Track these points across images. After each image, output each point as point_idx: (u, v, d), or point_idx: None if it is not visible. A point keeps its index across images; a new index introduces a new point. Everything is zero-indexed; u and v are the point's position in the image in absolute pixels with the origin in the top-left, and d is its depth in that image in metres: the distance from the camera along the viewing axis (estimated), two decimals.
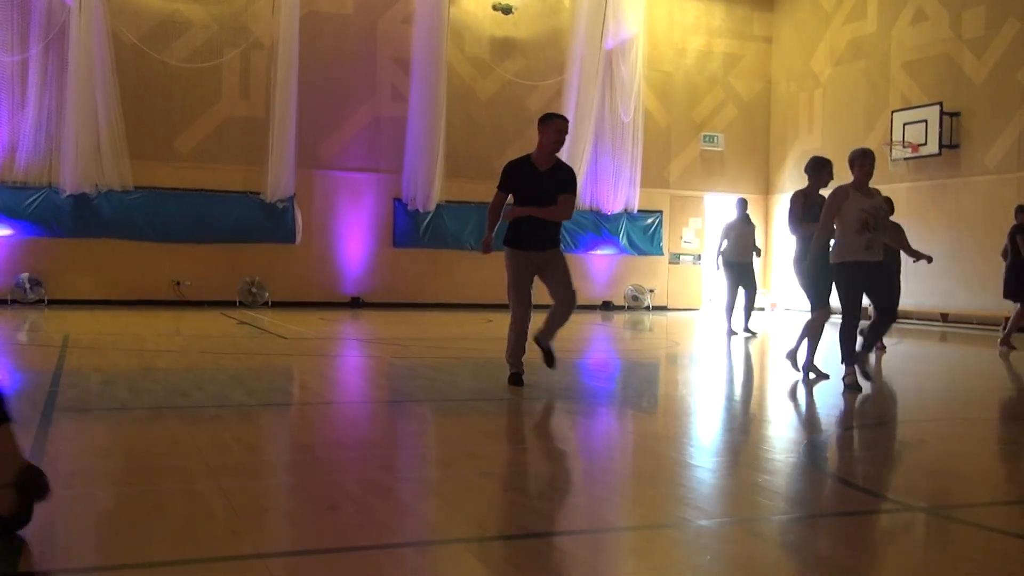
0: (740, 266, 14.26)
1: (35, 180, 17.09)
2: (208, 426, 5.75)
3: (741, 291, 14.24)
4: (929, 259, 8.97)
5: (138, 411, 6.18)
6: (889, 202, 8.24)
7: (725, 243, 14.37)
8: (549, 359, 7.64)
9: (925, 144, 18.09)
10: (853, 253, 7.58)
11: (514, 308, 7.65)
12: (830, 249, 7.83)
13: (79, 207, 17.24)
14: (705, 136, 22.07)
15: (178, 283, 17.92)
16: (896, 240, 9.24)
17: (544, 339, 7.62)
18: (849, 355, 7.68)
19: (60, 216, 17.19)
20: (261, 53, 18.54)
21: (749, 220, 14.64)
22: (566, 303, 7.59)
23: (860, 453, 5.70)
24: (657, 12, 21.52)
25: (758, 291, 14.93)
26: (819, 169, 8.62)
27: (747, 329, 13.99)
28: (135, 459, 4.73)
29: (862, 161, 7.67)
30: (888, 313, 7.94)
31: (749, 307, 14.27)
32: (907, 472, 5.19)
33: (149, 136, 17.84)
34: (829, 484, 4.72)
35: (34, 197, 17.03)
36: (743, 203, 14.81)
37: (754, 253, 14.40)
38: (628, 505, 4.19)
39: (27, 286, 16.86)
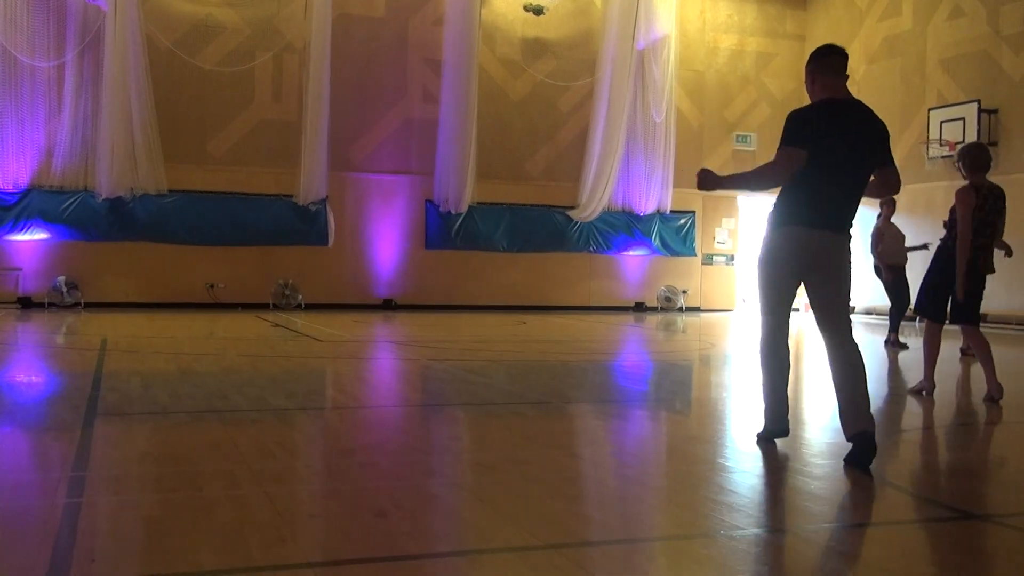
0: (895, 269, 12.84)
1: (71, 184, 17.24)
2: (249, 430, 5.74)
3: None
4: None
5: (179, 415, 6.19)
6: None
7: (883, 247, 12.81)
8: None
9: (963, 142, 17.82)
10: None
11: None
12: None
13: (114, 211, 17.37)
14: (738, 136, 21.91)
15: (212, 286, 18.01)
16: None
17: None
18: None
19: (96, 220, 17.32)
20: (293, 56, 18.60)
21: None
22: None
23: (912, 457, 5.60)
24: (689, 11, 21.39)
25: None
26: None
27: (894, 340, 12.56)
28: (179, 464, 4.72)
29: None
30: None
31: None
32: (961, 477, 5.08)
33: (183, 140, 17.95)
34: (881, 490, 4.62)
35: (70, 201, 17.18)
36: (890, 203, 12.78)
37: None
38: (677, 511, 4.12)
39: (64, 289, 17.00)
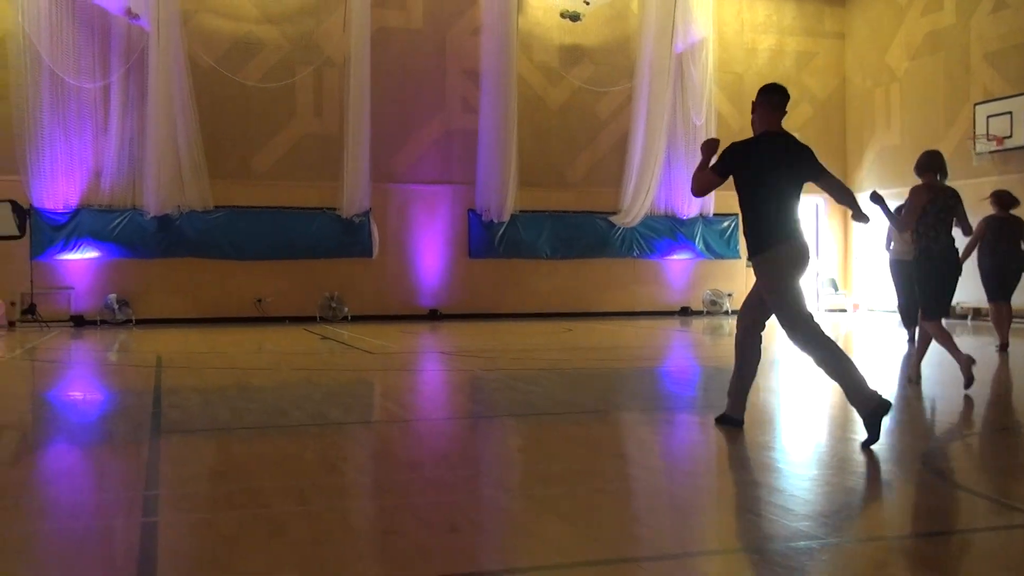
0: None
1: (119, 203, 17.51)
2: (313, 445, 5.77)
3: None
4: None
5: (241, 431, 6.24)
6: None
7: (894, 244, 12.81)
8: None
9: (1011, 136, 17.58)
10: None
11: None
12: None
13: (162, 228, 17.61)
14: None
15: (259, 300, 18.17)
16: None
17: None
18: None
19: (144, 237, 17.57)
20: (333, 70, 18.75)
21: None
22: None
23: (984, 462, 5.50)
24: (726, 13, 21.28)
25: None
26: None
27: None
28: (248, 480, 4.75)
29: None
30: None
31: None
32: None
33: (227, 156, 18.16)
34: (958, 497, 4.55)
35: (119, 220, 17.44)
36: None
37: None
38: (757, 521, 4.08)
39: (115, 307, 17.25)
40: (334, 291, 18.46)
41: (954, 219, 8.11)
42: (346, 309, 18.43)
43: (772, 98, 5.92)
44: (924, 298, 8.10)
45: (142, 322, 17.38)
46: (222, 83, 18.13)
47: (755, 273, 5.96)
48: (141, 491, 4.54)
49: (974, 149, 18.21)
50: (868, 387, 5.48)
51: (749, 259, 6.01)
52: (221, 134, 18.11)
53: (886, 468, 5.10)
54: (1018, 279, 11.66)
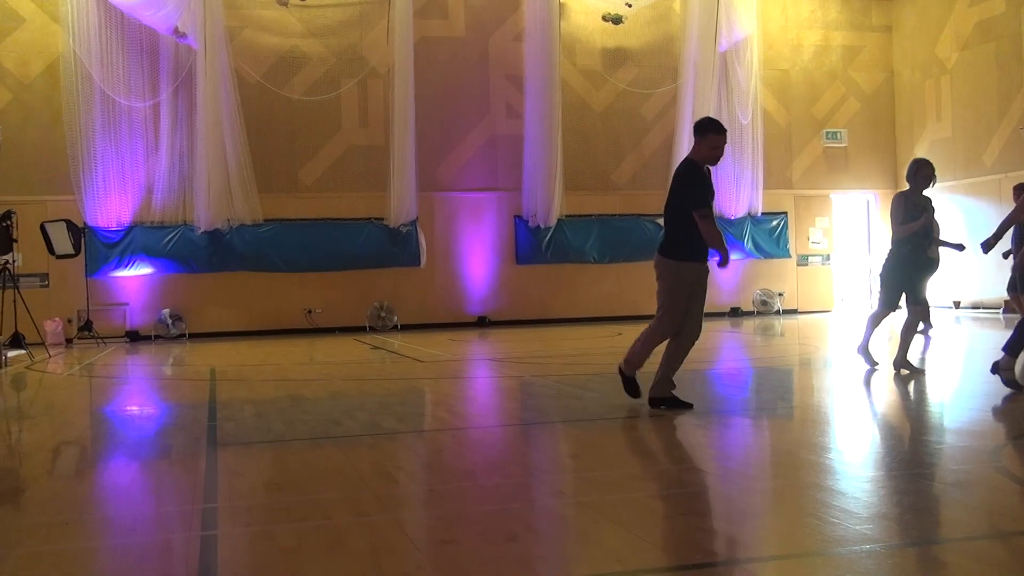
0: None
1: (171, 219, 17.76)
2: (368, 455, 5.78)
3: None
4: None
5: (296, 443, 6.27)
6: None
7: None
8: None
9: None
10: None
11: (670, 325, 7.08)
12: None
13: (213, 243, 17.82)
14: (828, 133, 21.48)
15: (310, 311, 18.32)
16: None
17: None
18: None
19: (196, 252, 17.79)
20: (377, 81, 18.86)
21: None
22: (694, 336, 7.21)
23: None
24: (770, 10, 21.07)
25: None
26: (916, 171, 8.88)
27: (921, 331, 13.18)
28: (305, 492, 4.77)
29: None
30: None
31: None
32: None
33: (275, 170, 18.34)
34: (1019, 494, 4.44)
35: (171, 236, 17.68)
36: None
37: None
38: (818, 524, 4.00)
39: (169, 321, 17.50)
40: (383, 300, 18.56)
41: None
42: (395, 318, 18.51)
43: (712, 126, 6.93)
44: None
45: (195, 336, 17.61)
46: (269, 98, 18.32)
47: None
48: (199, 504, 4.57)
49: None
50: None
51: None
52: (268, 148, 18.29)
53: (948, 467, 4.99)
54: None
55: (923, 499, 4.39)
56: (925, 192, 8.93)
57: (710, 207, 6.88)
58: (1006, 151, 18.62)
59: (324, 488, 4.83)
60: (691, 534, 3.82)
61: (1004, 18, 18.93)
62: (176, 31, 17.62)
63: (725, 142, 6.85)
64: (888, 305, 9.07)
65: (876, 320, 9.32)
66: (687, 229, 6.85)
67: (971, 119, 19.63)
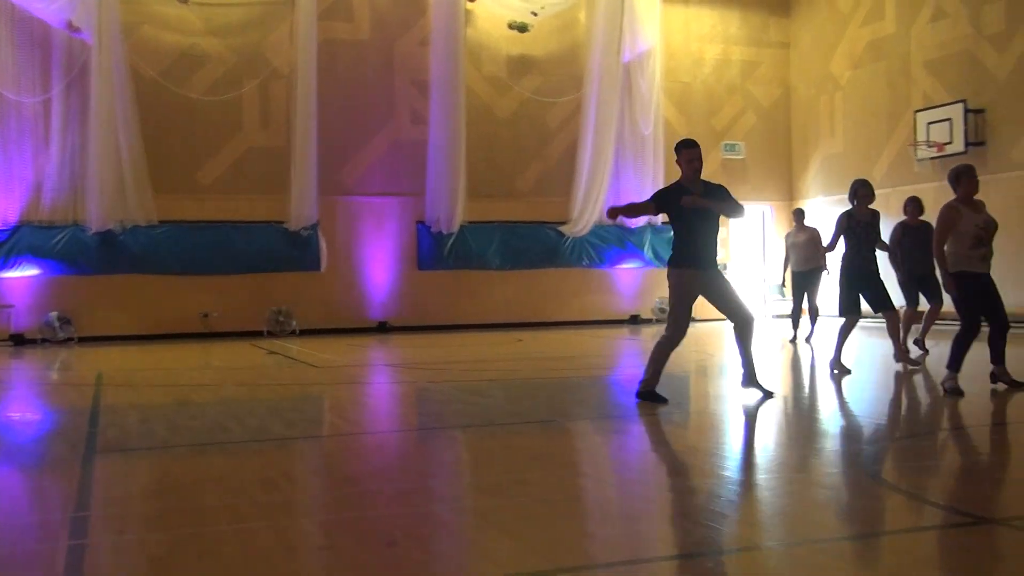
0: (799, 275, 14.53)
1: (61, 219, 17.15)
2: (252, 462, 5.67)
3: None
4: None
5: (180, 449, 6.11)
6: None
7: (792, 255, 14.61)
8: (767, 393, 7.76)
9: (951, 143, 17.87)
10: (971, 265, 7.72)
11: (674, 330, 7.69)
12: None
13: (105, 244, 17.28)
14: (726, 145, 21.93)
15: (206, 315, 17.93)
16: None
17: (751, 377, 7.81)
18: (955, 362, 7.71)
19: (87, 253, 17.23)
20: (280, 82, 18.58)
21: (804, 228, 14.61)
22: (746, 322, 7.67)
23: (916, 463, 5.55)
24: (673, 23, 21.44)
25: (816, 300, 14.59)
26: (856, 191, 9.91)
27: (806, 339, 14.11)
28: (183, 500, 4.66)
29: (967, 177, 7.85)
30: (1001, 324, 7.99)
31: (810, 316, 14.38)
32: (967, 480, 5.04)
33: (172, 170, 17.90)
34: (893, 498, 4.58)
35: (60, 236, 17.08)
36: (798, 213, 14.98)
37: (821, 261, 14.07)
38: (693, 528, 4.06)
39: (56, 324, 16.90)
40: (282, 305, 18.26)
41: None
42: (294, 323, 18.24)
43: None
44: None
45: (85, 340, 17.04)
46: (166, 96, 17.88)
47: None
48: (70, 513, 4.42)
49: (915, 156, 18.51)
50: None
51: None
52: (165, 148, 17.85)
53: (824, 472, 5.12)
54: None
55: (794, 501, 4.49)
56: (872, 207, 9.92)
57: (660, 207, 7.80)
58: (894, 167, 19.28)
59: (203, 495, 4.72)
60: (568, 537, 3.84)
61: (894, 39, 19.62)
62: (70, 25, 17.06)
63: (698, 152, 7.61)
64: (843, 313, 9.78)
65: (841, 331, 9.81)
66: (678, 238, 7.63)
67: (862, 135, 20.28)
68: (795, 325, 14.35)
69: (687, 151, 7.59)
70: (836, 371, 9.60)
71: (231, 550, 3.71)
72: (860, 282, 9.78)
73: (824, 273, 13.84)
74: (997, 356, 8.00)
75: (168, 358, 13.46)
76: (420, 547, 3.70)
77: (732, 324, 7.70)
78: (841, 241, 9.95)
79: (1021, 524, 4.01)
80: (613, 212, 7.87)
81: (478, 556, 3.69)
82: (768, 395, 7.61)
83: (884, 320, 10.09)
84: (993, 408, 7.44)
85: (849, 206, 10.09)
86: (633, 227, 20.75)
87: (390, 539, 3.82)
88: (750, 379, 7.73)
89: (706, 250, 7.56)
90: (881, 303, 9.82)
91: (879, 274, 9.94)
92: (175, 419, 7.33)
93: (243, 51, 18.42)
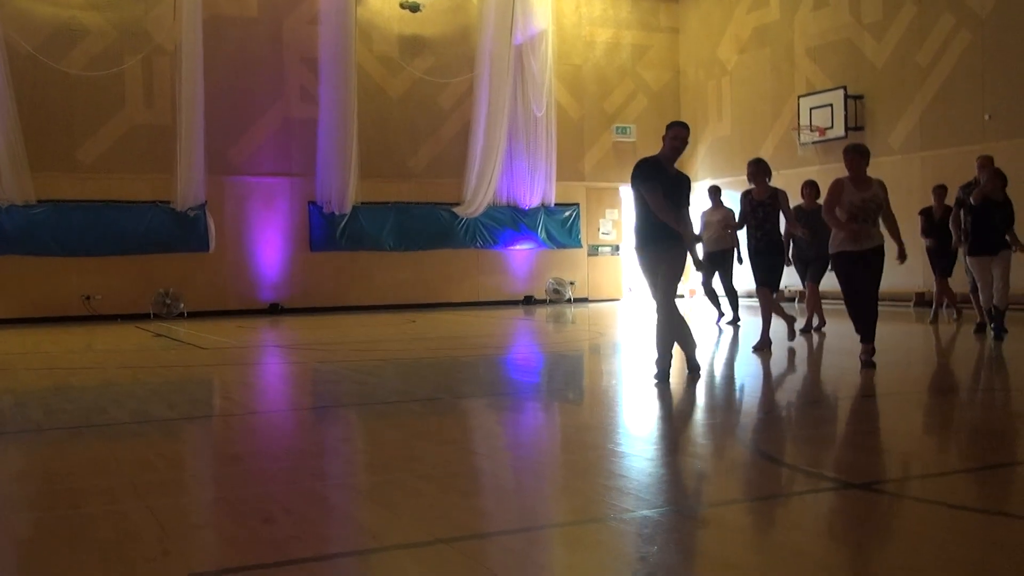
0: (710, 255, 13.57)
1: None
2: (130, 443, 5.55)
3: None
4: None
5: (54, 432, 5.94)
6: (881, 186, 8.47)
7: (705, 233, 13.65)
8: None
9: (831, 127, 18.47)
10: (840, 244, 7.97)
11: (660, 306, 7.50)
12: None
13: None
14: (617, 127, 22.21)
15: (88, 298, 17.38)
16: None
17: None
18: (865, 334, 7.97)
19: None
20: (164, 59, 18.07)
21: (720, 207, 13.84)
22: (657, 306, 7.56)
23: (794, 433, 5.76)
24: (565, 6, 21.58)
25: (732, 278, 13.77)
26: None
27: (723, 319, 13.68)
28: (55, 482, 4.53)
29: (847, 155, 8.08)
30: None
31: (727, 295, 13.65)
32: (839, 449, 5.25)
33: (50, 148, 17.26)
34: (768, 466, 4.75)
35: None
36: (713, 190, 14.10)
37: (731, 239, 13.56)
38: (570, 499, 4.15)
39: None
40: (169, 287, 17.83)
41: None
42: (181, 305, 17.82)
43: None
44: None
45: None
46: (43, 71, 17.20)
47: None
48: None
49: (799, 140, 19.06)
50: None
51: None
52: (43, 124, 17.19)
53: (702, 443, 5.28)
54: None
55: (675, 471, 4.62)
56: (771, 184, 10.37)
57: (658, 189, 7.36)
58: (779, 150, 19.82)
59: (77, 478, 4.60)
60: (451, 511, 3.87)
61: (779, 25, 20.14)
62: None
63: (685, 134, 7.51)
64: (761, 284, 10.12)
65: (762, 307, 10.10)
66: (640, 218, 7.47)
67: (748, 119, 20.78)
68: (715, 304, 13.87)
69: (676, 129, 7.51)
70: (760, 348, 9.68)
71: (103, 531, 3.63)
72: (757, 257, 10.14)
73: (736, 261, 13.33)
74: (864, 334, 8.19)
75: (48, 341, 13.02)
76: (297, 523, 3.68)
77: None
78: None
79: (882, 488, 4.21)
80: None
81: (355, 530, 3.70)
82: (695, 373, 7.58)
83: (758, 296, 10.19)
84: (861, 382, 7.74)
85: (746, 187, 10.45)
86: (526, 208, 20.88)
87: (266, 515, 3.79)
88: (689, 364, 7.67)
89: (666, 228, 7.30)
90: (762, 279, 10.05)
91: (775, 252, 10.16)
92: (51, 402, 7.10)
93: (124, 26, 17.85)
